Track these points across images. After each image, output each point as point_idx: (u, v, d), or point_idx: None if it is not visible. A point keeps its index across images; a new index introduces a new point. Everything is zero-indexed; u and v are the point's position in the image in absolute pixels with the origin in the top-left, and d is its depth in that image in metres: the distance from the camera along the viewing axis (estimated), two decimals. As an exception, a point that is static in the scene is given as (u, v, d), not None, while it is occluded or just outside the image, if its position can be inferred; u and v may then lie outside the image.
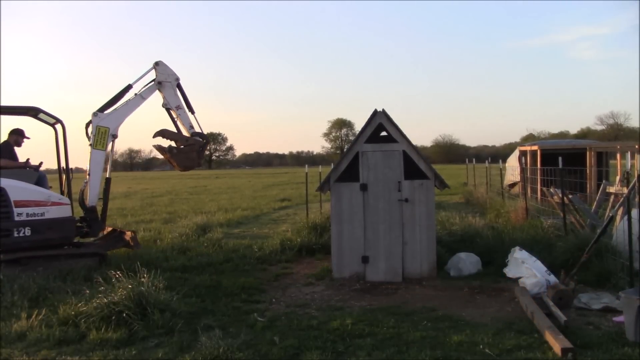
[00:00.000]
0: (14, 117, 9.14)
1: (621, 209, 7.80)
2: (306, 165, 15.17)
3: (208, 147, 10.36)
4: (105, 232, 9.65)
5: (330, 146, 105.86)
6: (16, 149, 8.93)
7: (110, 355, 4.98)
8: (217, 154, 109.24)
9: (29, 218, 8.13)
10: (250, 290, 7.19)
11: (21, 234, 8.05)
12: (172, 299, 6.06)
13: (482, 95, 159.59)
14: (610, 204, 9.80)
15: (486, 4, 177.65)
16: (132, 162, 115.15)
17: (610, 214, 7.49)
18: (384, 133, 7.97)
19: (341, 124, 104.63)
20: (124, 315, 5.54)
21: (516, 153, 19.95)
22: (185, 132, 9.39)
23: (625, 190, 7.19)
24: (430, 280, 7.59)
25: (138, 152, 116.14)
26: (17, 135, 8.92)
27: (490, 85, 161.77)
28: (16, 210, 8.00)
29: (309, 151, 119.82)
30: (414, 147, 7.89)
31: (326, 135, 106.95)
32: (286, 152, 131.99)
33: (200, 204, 20.86)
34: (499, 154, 35.43)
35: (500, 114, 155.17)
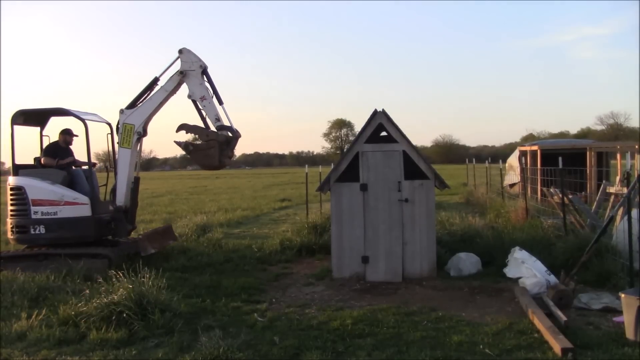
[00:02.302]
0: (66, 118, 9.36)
1: (621, 209, 7.79)
2: (306, 166, 15.17)
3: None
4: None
5: (330, 146, 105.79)
6: (72, 147, 9.32)
7: (110, 355, 4.98)
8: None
9: (44, 216, 8.37)
10: (250, 290, 7.19)
11: (37, 232, 8.35)
12: (172, 299, 6.07)
13: (482, 95, 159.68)
14: (610, 204, 9.80)
15: (486, 4, 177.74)
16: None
17: (610, 214, 7.49)
18: (384, 133, 7.97)
19: (341, 124, 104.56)
20: (124, 315, 5.55)
21: (516, 153, 19.94)
22: (211, 126, 8.39)
23: (625, 191, 7.19)
24: (430, 280, 7.58)
25: (138, 152, 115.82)
26: (66, 135, 9.21)
27: (491, 85, 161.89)
28: (33, 208, 8.35)
29: (309, 151, 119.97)
30: (414, 147, 7.89)
31: (326, 135, 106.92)
32: (286, 152, 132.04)
33: (200, 204, 20.85)
34: (499, 154, 35.37)
35: (500, 114, 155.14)
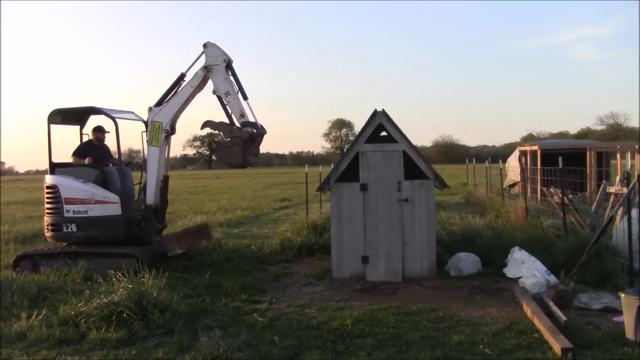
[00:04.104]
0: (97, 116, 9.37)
1: (621, 209, 7.80)
2: (306, 165, 15.16)
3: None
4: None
5: (330, 146, 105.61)
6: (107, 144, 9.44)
7: (110, 355, 4.99)
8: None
9: (75, 215, 8.41)
10: (250, 290, 7.19)
11: (69, 230, 8.41)
12: (172, 299, 6.07)
13: (482, 95, 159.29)
14: (610, 204, 9.81)
15: (486, 4, 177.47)
16: (132, 162, 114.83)
17: (610, 214, 7.49)
18: (384, 133, 7.97)
19: (341, 124, 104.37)
20: (124, 315, 5.56)
21: (516, 153, 19.94)
22: (236, 122, 8.22)
23: (625, 190, 7.19)
24: (430, 280, 7.58)
25: (138, 152, 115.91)
26: (97, 132, 9.27)
27: (491, 85, 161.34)
28: (66, 206, 8.42)
29: (309, 151, 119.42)
30: (414, 147, 7.90)
31: (326, 135, 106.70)
32: (286, 152, 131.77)
33: (200, 204, 20.84)
34: (499, 154, 35.38)
35: (500, 114, 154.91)
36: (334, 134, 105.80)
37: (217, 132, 8.67)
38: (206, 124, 8.29)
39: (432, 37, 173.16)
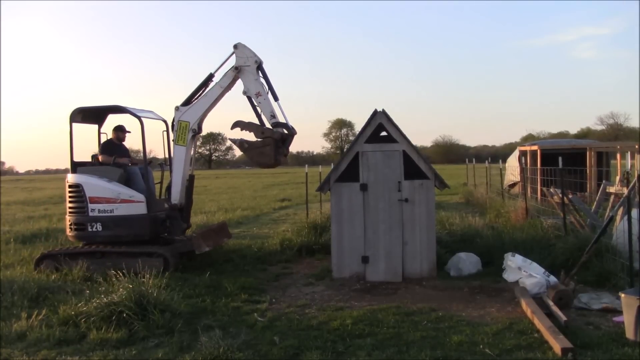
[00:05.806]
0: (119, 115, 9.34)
1: (621, 209, 7.80)
2: (306, 165, 15.15)
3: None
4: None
5: (330, 146, 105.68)
6: (126, 143, 9.46)
7: (110, 355, 4.99)
8: (217, 154, 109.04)
9: (100, 214, 8.36)
10: (250, 290, 7.19)
11: (94, 229, 8.36)
12: (172, 299, 6.07)
13: (482, 95, 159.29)
14: (610, 204, 9.81)
15: (487, 4, 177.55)
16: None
17: (610, 214, 7.49)
18: (384, 133, 7.97)
19: (341, 124, 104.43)
20: (124, 315, 5.56)
21: (516, 153, 19.94)
22: (266, 123, 8.20)
23: (625, 191, 7.19)
24: (430, 280, 7.59)
25: (137, 152, 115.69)
26: (118, 132, 9.24)
27: (491, 85, 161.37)
28: (90, 205, 8.37)
29: (309, 151, 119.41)
30: (414, 147, 7.90)
31: (326, 135, 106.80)
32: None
33: (200, 204, 20.78)
34: (499, 154, 35.40)
35: (500, 114, 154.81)
36: (334, 134, 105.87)
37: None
38: (237, 124, 8.23)
39: (432, 37, 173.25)
